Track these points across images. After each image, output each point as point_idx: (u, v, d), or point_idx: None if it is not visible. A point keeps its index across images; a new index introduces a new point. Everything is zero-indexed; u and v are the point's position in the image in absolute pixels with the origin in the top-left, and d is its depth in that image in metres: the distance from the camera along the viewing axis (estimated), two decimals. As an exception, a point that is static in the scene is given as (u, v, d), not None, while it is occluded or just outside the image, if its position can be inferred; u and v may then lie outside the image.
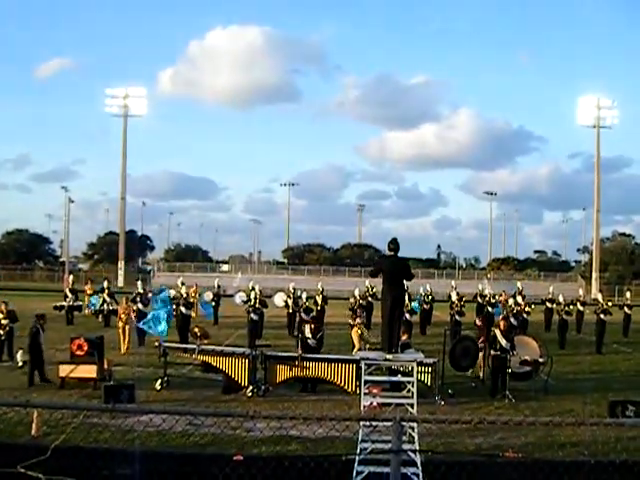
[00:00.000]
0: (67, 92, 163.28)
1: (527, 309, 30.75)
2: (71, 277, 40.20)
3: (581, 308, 33.26)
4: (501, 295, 34.68)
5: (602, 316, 28.61)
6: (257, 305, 28.22)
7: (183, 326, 25.99)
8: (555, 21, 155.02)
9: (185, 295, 28.72)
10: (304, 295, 32.18)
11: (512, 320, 24.05)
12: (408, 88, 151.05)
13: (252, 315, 27.55)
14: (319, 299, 33.65)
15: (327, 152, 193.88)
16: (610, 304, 30.88)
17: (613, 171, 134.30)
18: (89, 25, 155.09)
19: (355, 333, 23.09)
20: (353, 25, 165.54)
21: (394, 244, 14.96)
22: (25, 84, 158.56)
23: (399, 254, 15.15)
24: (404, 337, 18.94)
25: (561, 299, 31.71)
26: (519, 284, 39.06)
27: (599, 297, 31.65)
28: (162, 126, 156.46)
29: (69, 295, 34.35)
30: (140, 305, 27.27)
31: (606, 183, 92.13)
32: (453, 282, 42.05)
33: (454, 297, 31.42)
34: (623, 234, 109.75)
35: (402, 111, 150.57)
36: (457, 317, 30.28)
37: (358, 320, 23.50)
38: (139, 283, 30.14)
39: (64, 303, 33.84)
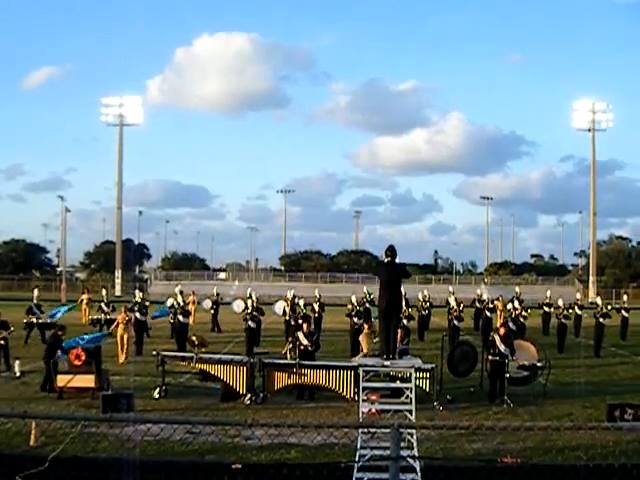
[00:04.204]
0: (54, 101, 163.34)
1: (525, 313, 30.72)
2: (36, 291, 35.35)
3: (579, 312, 33.21)
4: (498, 300, 34.72)
5: (601, 320, 28.58)
6: (254, 313, 28.23)
7: (181, 335, 25.91)
8: (548, 25, 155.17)
9: (182, 303, 28.66)
10: (301, 302, 32.21)
11: (510, 325, 24.05)
12: (397, 94, 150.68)
13: (249, 323, 27.51)
14: (316, 306, 33.70)
15: (318, 158, 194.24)
16: (609, 307, 30.90)
17: (607, 174, 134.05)
18: (75, 33, 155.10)
19: (365, 336, 23.19)
20: (342, 31, 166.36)
21: (391, 251, 15.01)
22: (13, 93, 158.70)
23: (396, 260, 15.20)
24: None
25: (560, 303, 31.71)
26: (517, 289, 39.08)
27: (598, 300, 31.62)
28: (152, 134, 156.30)
29: (36, 311, 30.52)
30: (138, 314, 27.19)
31: (600, 186, 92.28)
32: (451, 287, 42.06)
33: (452, 302, 31.39)
34: (620, 237, 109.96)
35: (392, 117, 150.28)
36: (455, 322, 30.24)
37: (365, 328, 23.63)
38: (137, 292, 30.07)
39: (32, 319, 29.73)
